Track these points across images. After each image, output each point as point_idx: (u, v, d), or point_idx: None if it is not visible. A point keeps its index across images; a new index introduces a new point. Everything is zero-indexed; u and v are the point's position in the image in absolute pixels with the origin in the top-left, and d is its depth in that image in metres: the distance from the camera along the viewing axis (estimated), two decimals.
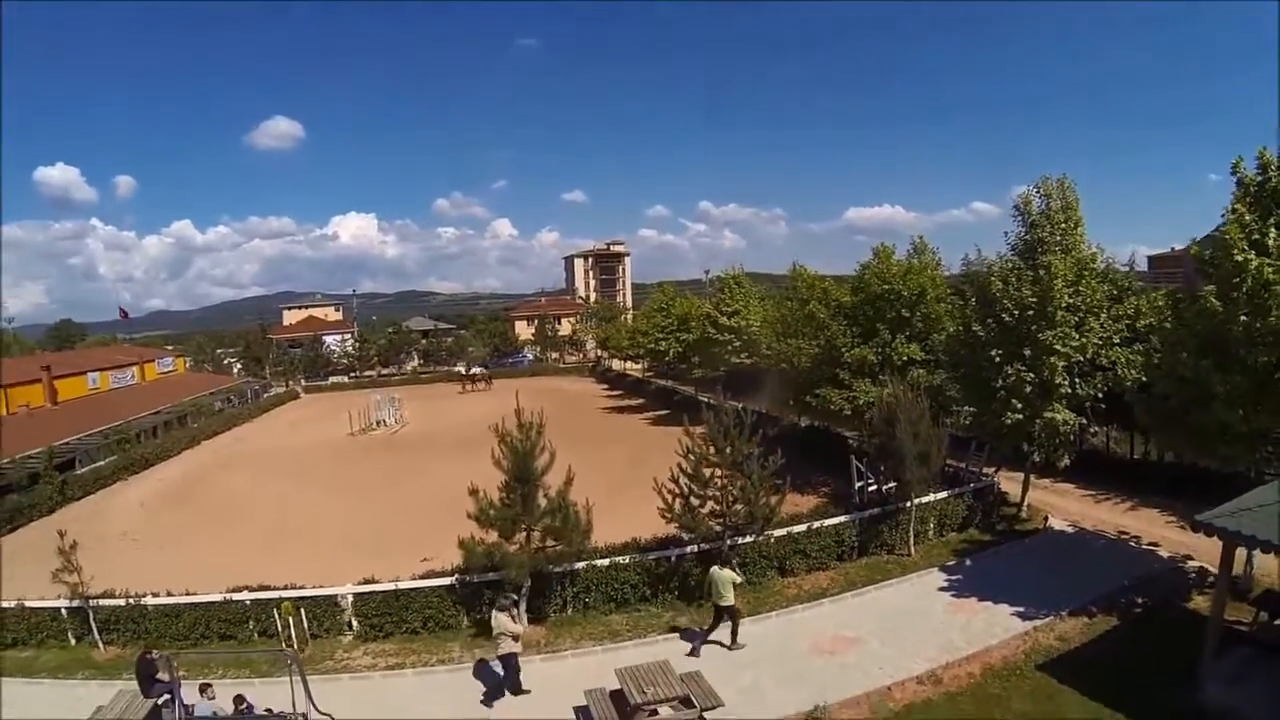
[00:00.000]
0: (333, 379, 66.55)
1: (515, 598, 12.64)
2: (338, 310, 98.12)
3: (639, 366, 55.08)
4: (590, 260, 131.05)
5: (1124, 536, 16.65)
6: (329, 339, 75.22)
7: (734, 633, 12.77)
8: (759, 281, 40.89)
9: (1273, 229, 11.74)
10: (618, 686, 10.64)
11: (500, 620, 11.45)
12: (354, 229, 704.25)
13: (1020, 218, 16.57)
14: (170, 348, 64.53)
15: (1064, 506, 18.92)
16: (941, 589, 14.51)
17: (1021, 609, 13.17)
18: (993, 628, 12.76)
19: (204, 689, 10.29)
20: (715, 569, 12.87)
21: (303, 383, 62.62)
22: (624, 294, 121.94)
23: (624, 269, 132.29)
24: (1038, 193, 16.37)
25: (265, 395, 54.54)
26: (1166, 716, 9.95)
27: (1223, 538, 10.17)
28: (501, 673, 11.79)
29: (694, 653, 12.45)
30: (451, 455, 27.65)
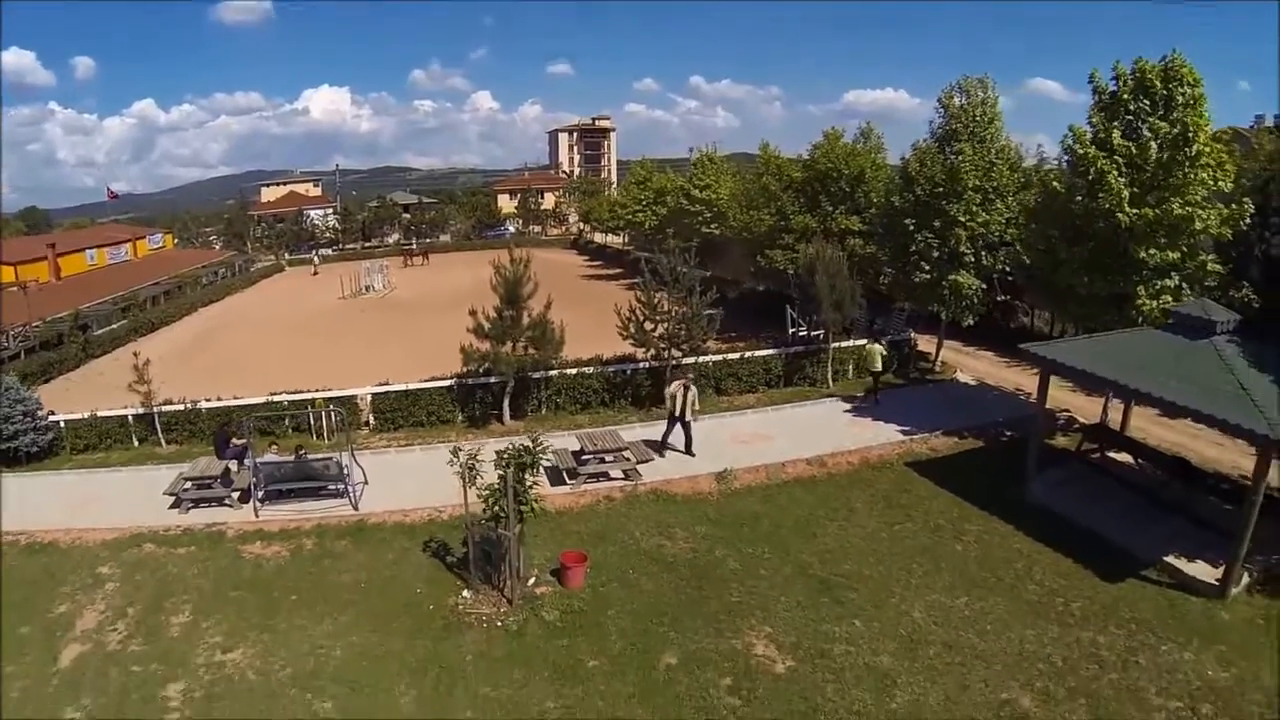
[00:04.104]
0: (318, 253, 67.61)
1: (692, 376, 15.44)
2: (316, 186, 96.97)
3: (619, 239, 56.76)
4: (575, 135, 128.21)
5: (1018, 391, 18.69)
6: (312, 213, 75.93)
7: (876, 391, 17.80)
8: (749, 162, 42.08)
9: (1115, 130, 14.20)
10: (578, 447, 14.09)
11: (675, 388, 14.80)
12: (326, 103, 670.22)
13: (941, 110, 18.79)
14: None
15: (975, 366, 21.32)
16: (846, 411, 17.50)
17: (907, 428, 15.92)
18: (878, 436, 15.72)
19: (271, 444, 13.51)
20: (868, 343, 18.18)
21: (287, 256, 63.88)
22: (609, 170, 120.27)
23: (609, 145, 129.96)
24: (959, 90, 18.55)
25: (252, 269, 56.21)
26: (993, 503, 12.56)
27: (1036, 362, 13.19)
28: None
29: (866, 402, 17.70)
30: (442, 313, 30.00)
